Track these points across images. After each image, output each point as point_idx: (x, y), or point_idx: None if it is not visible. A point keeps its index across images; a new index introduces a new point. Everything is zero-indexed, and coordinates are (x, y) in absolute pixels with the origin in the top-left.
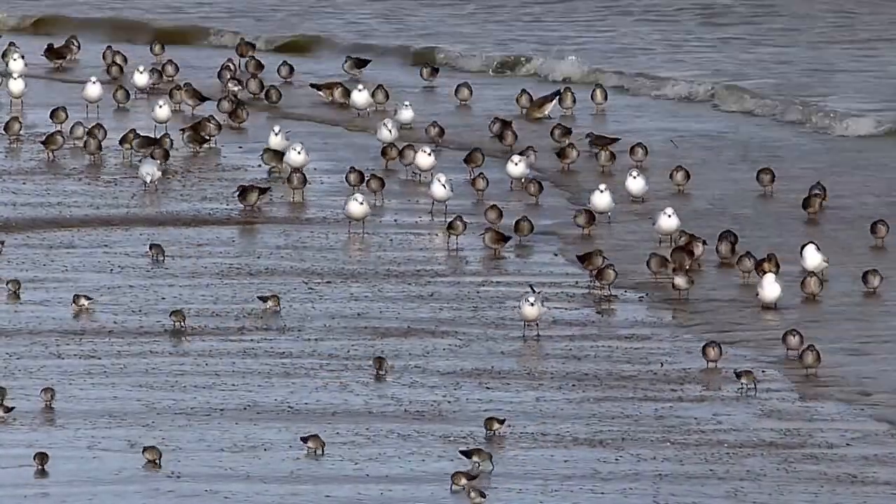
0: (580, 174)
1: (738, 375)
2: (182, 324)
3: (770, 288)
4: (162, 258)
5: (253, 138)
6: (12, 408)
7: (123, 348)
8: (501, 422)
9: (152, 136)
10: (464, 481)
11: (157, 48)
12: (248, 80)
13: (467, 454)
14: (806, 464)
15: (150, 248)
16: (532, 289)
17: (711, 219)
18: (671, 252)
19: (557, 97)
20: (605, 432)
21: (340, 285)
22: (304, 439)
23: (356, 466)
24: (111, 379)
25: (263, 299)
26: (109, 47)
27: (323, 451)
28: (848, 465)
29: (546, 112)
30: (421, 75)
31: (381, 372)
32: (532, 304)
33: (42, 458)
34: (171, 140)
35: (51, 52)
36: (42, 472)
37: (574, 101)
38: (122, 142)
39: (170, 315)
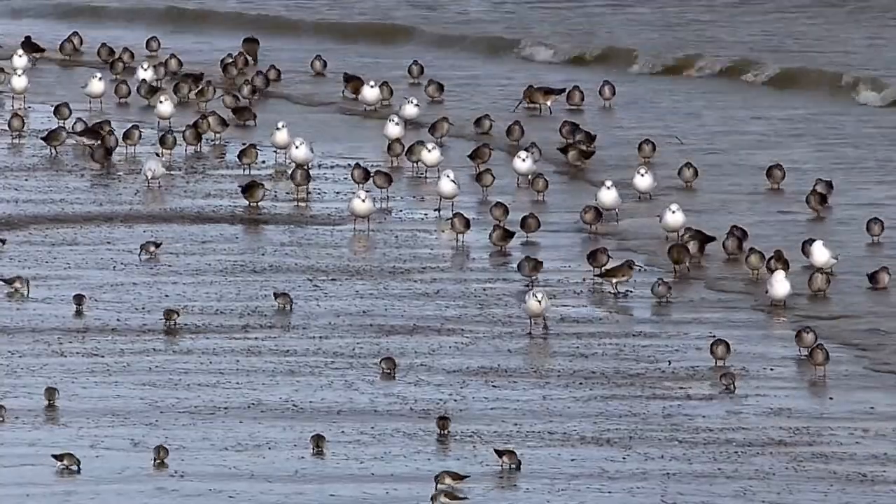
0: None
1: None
2: (175, 322)
3: (780, 285)
4: (149, 256)
5: (259, 134)
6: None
7: (126, 346)
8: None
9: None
10: (448, 480)
11: (153, 44)
12: (254, 76)
13: (500, 453)
14: (815, 462)
15: (141, 247)
16: (531, 288)
17: (719, 214)
18: (668, 249)
19: (565, 93)
20: (612, 431)
21: (345, 283)
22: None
23: (361, 465)
24: (114, 377)
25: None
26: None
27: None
28: (858, 463)
29: (548, 103)
30: (409, 73)
31: (387, 371)
32: (539, 301)
33: (70, 458)
34: (174, 137)
35: (28, 46)
36: (69, 471)
37: (582, 98)
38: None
39: (164, 315)
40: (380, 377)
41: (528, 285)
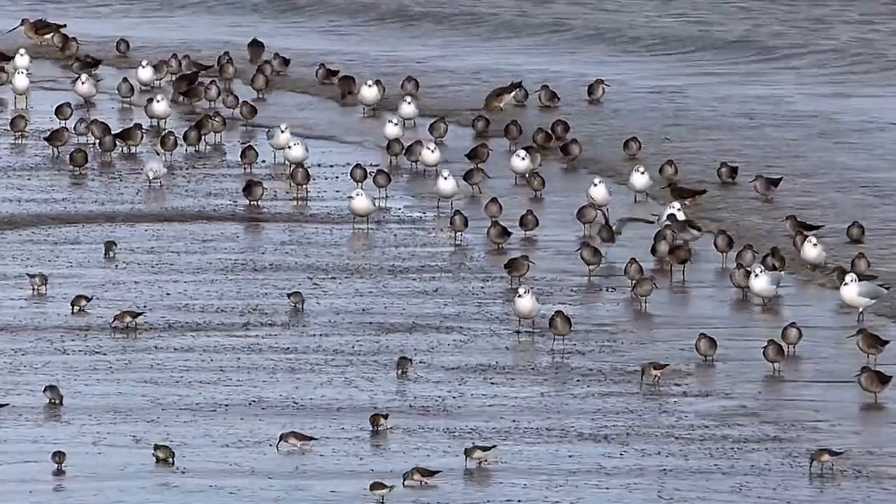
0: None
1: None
2: (131, 323)
3: (764, 282)
4: (112, 254)
5: (260, 134)
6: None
7: (128, 344)
8: (385, 416)
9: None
10: (417, 476)
11: (122, 46)
12: (254, 77)
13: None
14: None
15: (106, 246)
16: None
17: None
18: (670, 249)
19: (514, 91)
20: (609, 427)
21: (345, 281)
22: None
23: (361, 462)
24: (116, 375)
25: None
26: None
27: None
28: (853, 459)
29: (502, 104)
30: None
31: (403, 371)
32: (522, 296)
33: (60, 456)
34: (176, 137)
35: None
36: (59, 471)
37: (527, 95)
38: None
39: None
40: (379, 374)
41: (516, 286)
